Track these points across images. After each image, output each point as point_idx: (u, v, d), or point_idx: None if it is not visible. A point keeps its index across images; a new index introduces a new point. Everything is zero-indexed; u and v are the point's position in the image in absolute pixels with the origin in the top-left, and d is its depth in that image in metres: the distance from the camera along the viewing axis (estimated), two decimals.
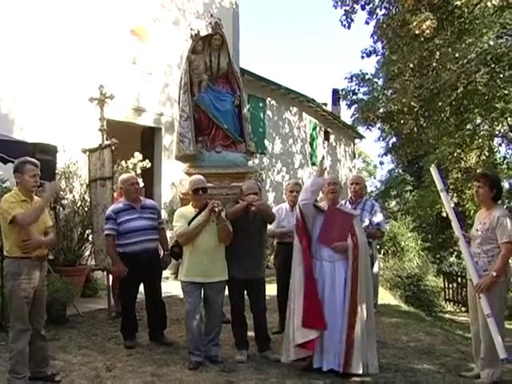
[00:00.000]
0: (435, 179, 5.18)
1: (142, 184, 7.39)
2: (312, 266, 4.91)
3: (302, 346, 4.80)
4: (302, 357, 4.89)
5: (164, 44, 12.64)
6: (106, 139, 7.53)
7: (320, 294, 4.85)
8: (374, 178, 42.32)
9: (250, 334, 5.57)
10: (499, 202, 5.22)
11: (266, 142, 17.72)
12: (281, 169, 18.61)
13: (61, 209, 8.75)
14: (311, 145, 21.04)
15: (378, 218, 6.03)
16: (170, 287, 8.07)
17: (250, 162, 7.74)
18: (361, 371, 4.78)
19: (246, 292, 5.48)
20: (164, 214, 10.23)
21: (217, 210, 5.02)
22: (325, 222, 5.06)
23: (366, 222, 5.87)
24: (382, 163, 28.35)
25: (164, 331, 6.03)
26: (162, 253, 5.92)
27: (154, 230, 5.78)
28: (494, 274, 4.66)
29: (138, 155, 9.28)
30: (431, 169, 5.34)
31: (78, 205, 8.96)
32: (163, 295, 6.17)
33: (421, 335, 6.97)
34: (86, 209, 8.69)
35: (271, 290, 6.27)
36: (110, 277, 7.14)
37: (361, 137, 27.30)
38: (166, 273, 7.89)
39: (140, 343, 5.89)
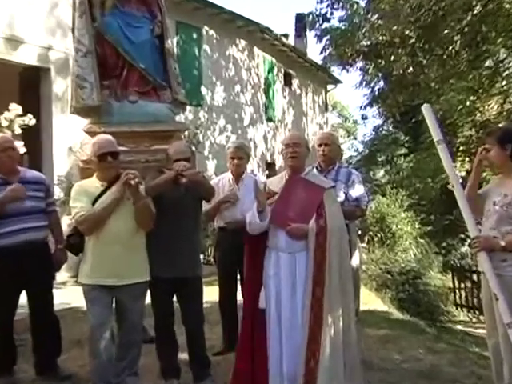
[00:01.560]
0: (429, 125, 5.05)
1: (22, 149, 7.21)
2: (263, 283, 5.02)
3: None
4: None
5: None
6: None
7: (275, 296, 4.97)
8: (355, 138, 42.93)
9: (183, 356, 5.56)
10: None
11: (203, 90, 17.73)
12: (224, 127, 18.76)
13: None
14: (266, 93, 21.21)
15: (357, 190, 6.08)
16: (68, 296, 7.96)
17: (180, 117, 7.68)
18: None
19: (175, 297, 5.50)
20: (58, 192, 10.12)
21: (133, 182, 4.97)
22: (282, 195, 5.12)
23: (341, 197, 5.93)
24: (364, 118, 28.53)
25: (58, 359, 5.92)
26: (53, 246, 5.80)
27: (41, 213, 5.68)
28: (503, 243, 4.67)
29: (15, 107, 9.05)
30: (423, 109, 5.16)
31: None
32: (57, 308, 6.06)
33: (420, 353, 7.11)
34: None
35: (212, 294, 6.28)
36: None
37: (336, 81, 27.60)
38: (60, 276, 7.74)
39: (20, 379, 5.74)
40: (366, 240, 16.96)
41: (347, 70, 18.35)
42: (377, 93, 22.13)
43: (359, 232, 8.73)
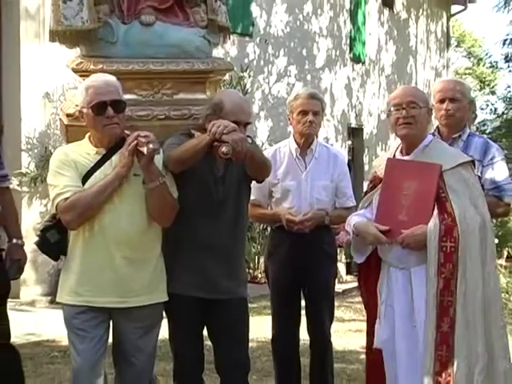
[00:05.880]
0: None
1: None
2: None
3: None
4: None
5: None
6: None
7: (389, 329, 4.42)
8: (492, 91, 35.27)
9: None
10: None
11: (254, 10, 15.55)
12: (285, 69, 16.51)
13: None
14: (353, 18, 18.67)
15: (499, 172, 5.09)
16: (39, 322, 7.53)
17: (218, 51, 6.90)
18: None
19: (206, 330, 4.59)
20: (25, 163, 9.83)
21: (146, 150, 4.16)
22: (384, 189, 4.51)
23: None
24: (510, 59, 22.36)
25: None
26: (6, 246, 4.95)
27: None
28: None
29: None
30: None
31: None
32: (17, 339, 5.85)
33: None
34: None
35: (260, 328, 6.08)
36: None
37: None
38: (27, 292, 7.50)
39: None
40: (505, 254, 14.36)
41: None
42: None
43: (496, 240, 7.65)
